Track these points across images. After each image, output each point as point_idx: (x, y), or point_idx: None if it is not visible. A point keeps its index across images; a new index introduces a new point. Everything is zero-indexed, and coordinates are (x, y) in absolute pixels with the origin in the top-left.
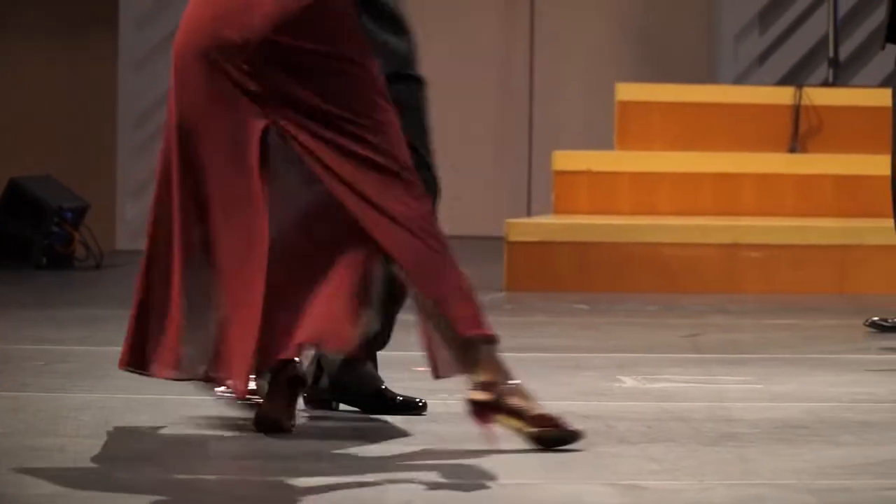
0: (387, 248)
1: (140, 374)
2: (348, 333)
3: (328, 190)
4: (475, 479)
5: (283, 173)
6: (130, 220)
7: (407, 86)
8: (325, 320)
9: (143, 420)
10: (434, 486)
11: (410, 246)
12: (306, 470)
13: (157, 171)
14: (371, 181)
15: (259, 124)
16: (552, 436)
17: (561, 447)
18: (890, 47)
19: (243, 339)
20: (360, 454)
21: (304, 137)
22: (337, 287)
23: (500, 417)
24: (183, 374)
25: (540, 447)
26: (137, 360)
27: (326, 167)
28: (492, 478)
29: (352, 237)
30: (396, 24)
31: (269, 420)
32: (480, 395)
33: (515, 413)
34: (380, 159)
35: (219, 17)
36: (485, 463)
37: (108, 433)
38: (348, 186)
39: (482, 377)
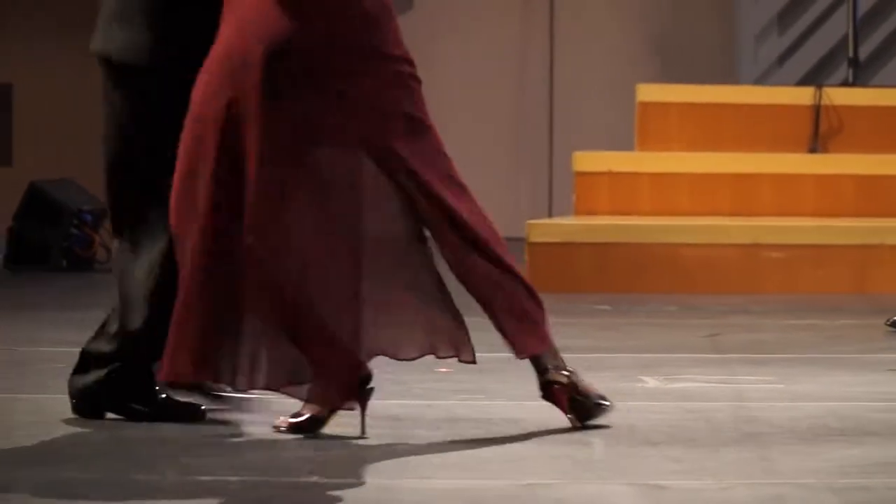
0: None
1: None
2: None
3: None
4: (497, 479)
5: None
6: None
7: None
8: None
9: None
10: (456, 485)
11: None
12: (333, 472)
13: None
14: None
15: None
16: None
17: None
18: None
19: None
20: (383, 454)
21: None
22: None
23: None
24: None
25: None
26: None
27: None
28: (513, 477)
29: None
30: None
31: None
32: (558, 377)
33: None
34: None
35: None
36: (506, 462)
37: (128, 435)
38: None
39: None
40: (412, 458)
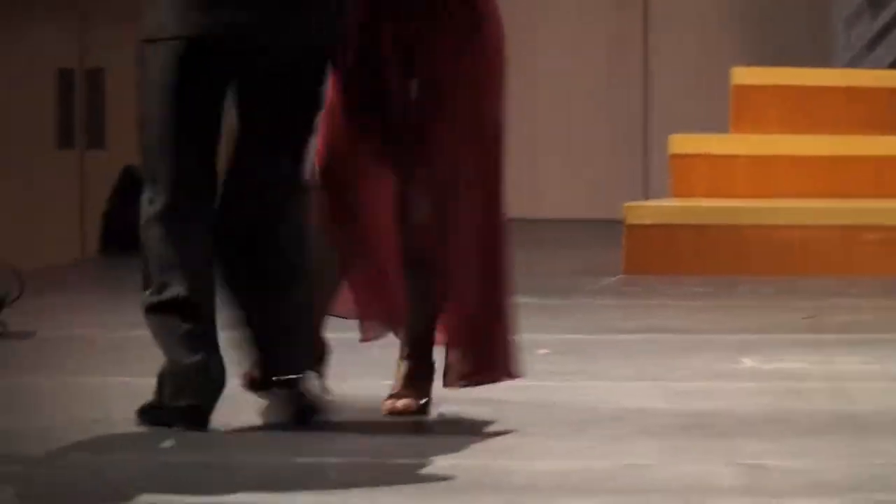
0: None
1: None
2: None
3: None
4: (599, 460)
5: None
6: None
7: None
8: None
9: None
10: (560, 467)
11: None
12: (434, 454)
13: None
14: None
15: None
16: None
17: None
18: None
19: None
20: (485, 437)
21: None
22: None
23: None
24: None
25: None
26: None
27: None
28: (614, 458)
29: None
30: None
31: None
32: None
33: None
34: None
35: None
36: (607, 444)
37: (224, 421)
38: None
39: None
40: (515, 440)
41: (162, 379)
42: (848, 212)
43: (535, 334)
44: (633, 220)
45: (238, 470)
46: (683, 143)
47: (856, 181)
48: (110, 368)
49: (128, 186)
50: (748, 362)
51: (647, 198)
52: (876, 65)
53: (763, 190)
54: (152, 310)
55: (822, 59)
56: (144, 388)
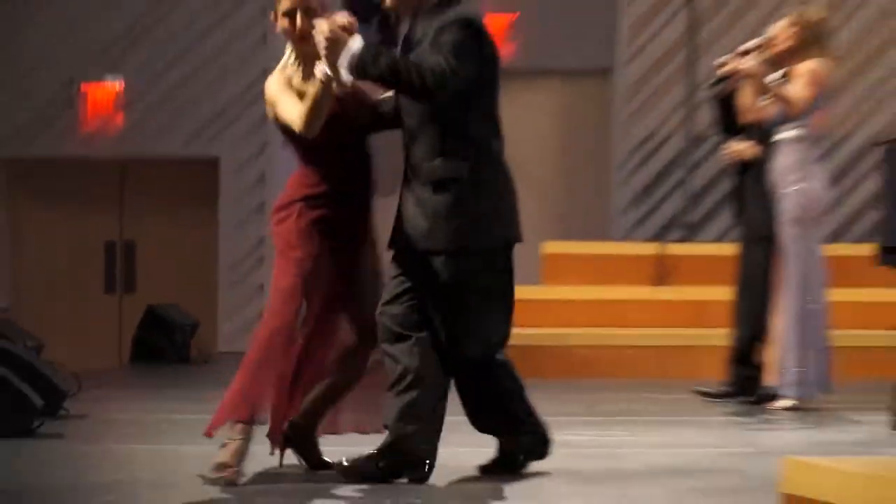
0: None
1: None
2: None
3: None
4: None
5: None
6: (226, 333)
7: None
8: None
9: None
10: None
11: None
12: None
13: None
14: None
15: None
16: None
17: None
18: None
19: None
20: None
21: None
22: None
23: None
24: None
25: None
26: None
27: None
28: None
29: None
30: None
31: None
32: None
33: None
34: None
35: None
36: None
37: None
38: None
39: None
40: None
41: None
42: (619, 336)
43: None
44: None
45: None
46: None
47: (625, 315)
48: (141, 438)
49: (149, 319)
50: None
51: None
52: (643, 238)
53: (562, 322)
54: None
55: (604, 234)
56: (171, 453)
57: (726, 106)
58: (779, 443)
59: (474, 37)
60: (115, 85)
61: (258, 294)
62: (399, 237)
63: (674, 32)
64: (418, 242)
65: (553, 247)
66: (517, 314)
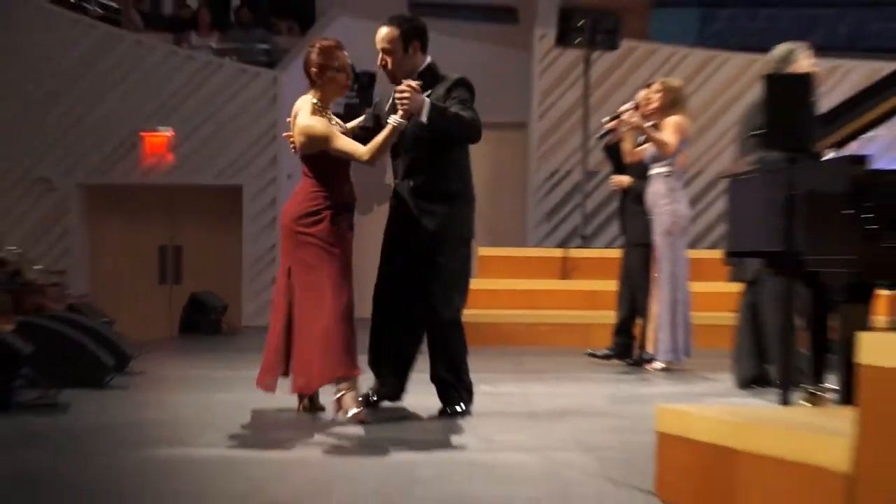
0: None
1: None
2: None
3: None
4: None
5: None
6: (248, 312)
7: None
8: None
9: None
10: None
11: None
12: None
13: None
14: None
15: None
16: None
17: None
18: None
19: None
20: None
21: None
22: None
23: None
24: None
25: None
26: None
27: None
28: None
29: None
30: None
31: None
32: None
33: None
34: None
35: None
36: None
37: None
38: None
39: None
40: None
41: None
42: (535, 316)
43: None
44: None
45: None
46: None
47: (539, 301)
48: (185, 390)
49: (192, 303)
50: (485, 388)
51: None
52: (551, 244)
53: (493, 305)
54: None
55: (523, 242)
56: (207, 399)
57: (614, 151)
58: (654, 393)
59: (473, 93)
60: (166, 134)
61: (271, 284)
62: (407, 239)
63: (572, 96)
64: (426, 241)
65: (486, 250)
66: None
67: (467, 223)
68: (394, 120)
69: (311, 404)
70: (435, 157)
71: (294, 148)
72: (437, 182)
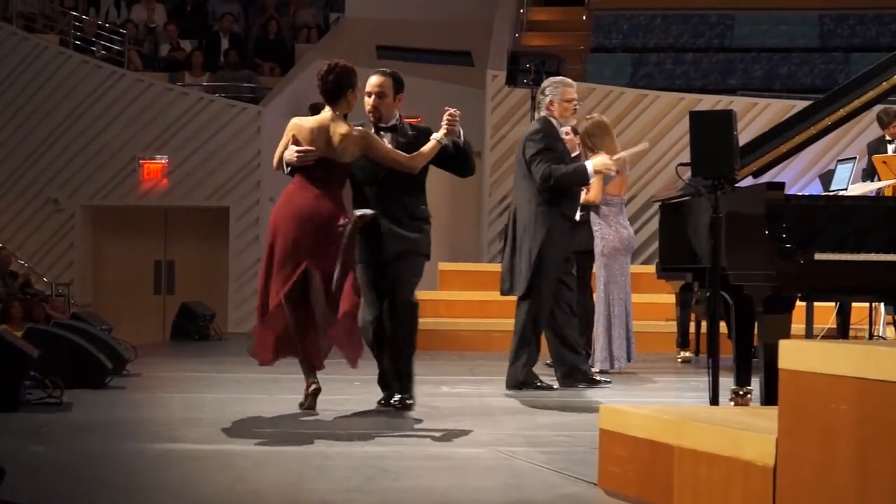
0: None
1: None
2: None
3: None
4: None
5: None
6: (233, 320)
7: None
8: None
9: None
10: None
11: None
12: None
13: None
14: None
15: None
16: None
17: None
18: None
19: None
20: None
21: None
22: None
23: None
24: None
25: None
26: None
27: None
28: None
29: None
30: None
31: None
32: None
33: None
34: None
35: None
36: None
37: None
38: None
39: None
40: None
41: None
42: (488, 324)
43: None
44: None
45: None
46: None
47: (492, 311)
48: (177, 389)
49: (183, 311)
50: (445, 388)
51: None
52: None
53: (452, 314)
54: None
55: (478, 258)
56: (197, 398)
57: None
58: (598, 394)
59: None
60: (162, 161)
61: (254, 295)
62: (391, 249)
63: (520, 130)
64: (409, 248)
65: (445, 265)
66: (423, 308)
67: (429, 243)
68: (437, 136)
69: (312, 402)
70: (417, 183)
71: (306, 159)
72: (417, 204)
